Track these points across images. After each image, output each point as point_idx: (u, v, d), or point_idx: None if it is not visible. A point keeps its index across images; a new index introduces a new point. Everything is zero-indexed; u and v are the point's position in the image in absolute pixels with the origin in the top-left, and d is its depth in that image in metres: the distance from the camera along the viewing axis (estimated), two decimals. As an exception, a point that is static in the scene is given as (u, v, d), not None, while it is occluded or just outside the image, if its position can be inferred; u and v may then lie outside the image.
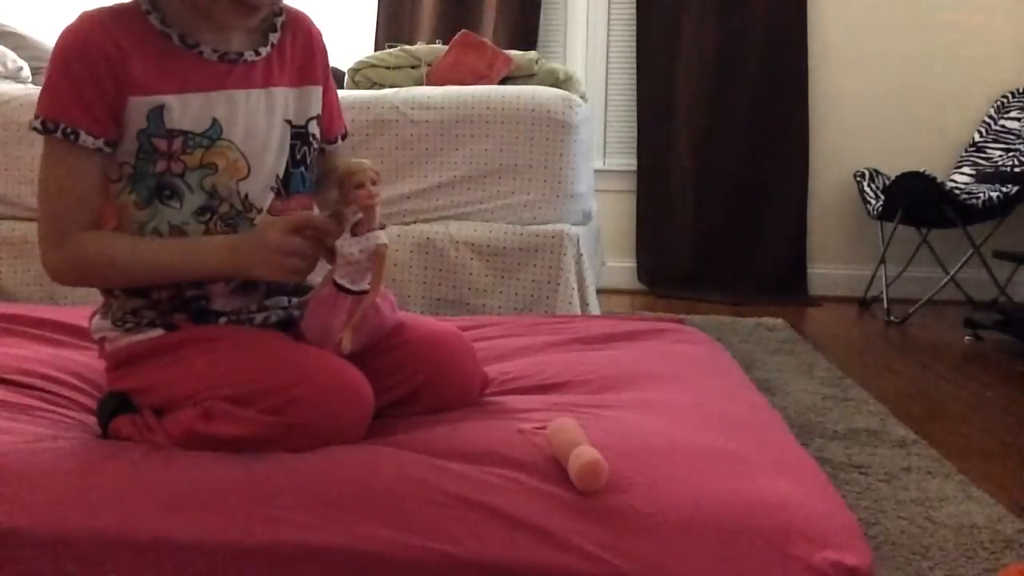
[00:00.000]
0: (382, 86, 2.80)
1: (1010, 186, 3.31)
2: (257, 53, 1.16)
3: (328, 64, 1.29)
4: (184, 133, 1.09)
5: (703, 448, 0.99)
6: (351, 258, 1.08)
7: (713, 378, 1.33)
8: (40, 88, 1.09)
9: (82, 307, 1.67)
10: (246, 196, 1.15)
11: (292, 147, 1.19)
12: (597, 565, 0.81)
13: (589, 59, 4.10)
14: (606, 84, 4.13)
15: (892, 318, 3.32)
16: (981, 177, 3.47)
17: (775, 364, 2.45)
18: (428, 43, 3.67)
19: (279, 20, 1.21)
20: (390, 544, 0.83)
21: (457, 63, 2.85)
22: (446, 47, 2.96)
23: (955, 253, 3.49)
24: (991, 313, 3.02)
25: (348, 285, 1.09)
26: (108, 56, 1.06)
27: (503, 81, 2.81)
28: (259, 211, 1.16)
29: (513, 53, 2.92)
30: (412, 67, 2.92)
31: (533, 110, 2.31)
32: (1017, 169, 3.48)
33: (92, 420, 1.17)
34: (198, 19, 1.11)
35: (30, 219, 2.42)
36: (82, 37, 1.06)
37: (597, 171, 3.73)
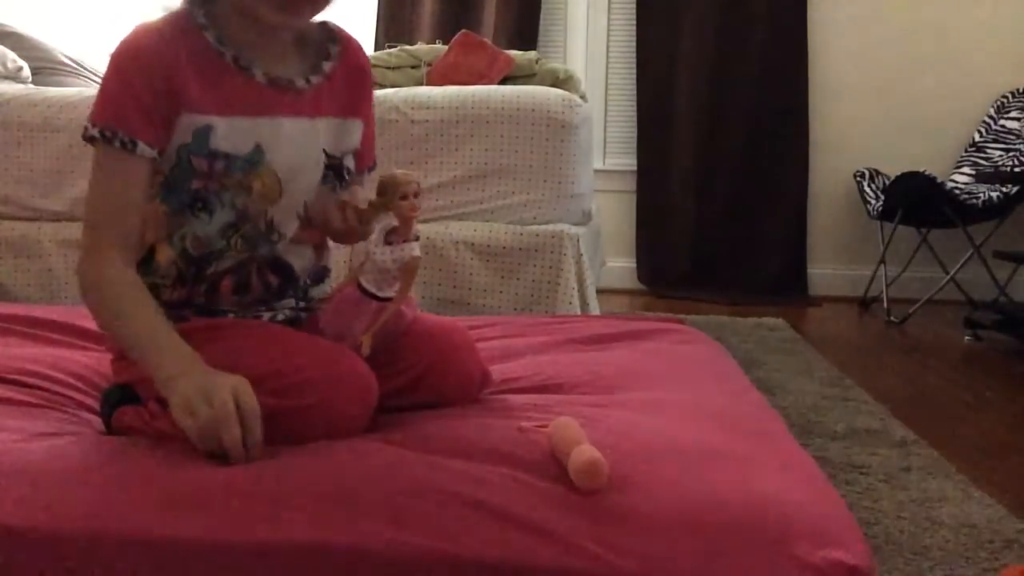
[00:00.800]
0: (382, 86, 2.79)
1: (1010, 186, 3.31)
2: (308, 81, 1.15)
3: (372, 98, 1.27)
4: (226, 156, 1.09)
5: (703, 448, 0.99)
6: (383, 265, 1.07)
7: (713, 378, 1.33)
8: (95, 100, 1.08)
9: (82, 307, 1.67)
10: (272, 219, 1.15)
11: (324, 176, 1.18)
12: (597, 564, 0.81)
13: (589, 59, 4.10)
14: (606, 84, 4.13)
15: (892, 318, 3.32)
16: (981, 177, 3.47)
17: (775, 364, 2.45)
18: (428, 43, 3.67)
19: (333, 48, 1.19)
20: (390, 543, 0.83)
21: (457, 63, 2.86)
22: (446, 47, 2.96)
23: (955, 253, 3.49)
24: (991, 313, 3.02)
25: (374, 290, 1.09)
26: (167, 68, 1.05)
27: (503, 81, 2.81)
28: (280, 236, 1.16)
29: (513, 53, 2.92)
30: (412, 67, 2.92)
31: (533, 110, 2.31)
32: (1017, 169, 3.48)
33: (91, 418, 1.17)
34: (252, 39, 1.11)
35: (30, 219, 2.42)
36: (142, 48, 1.06)
37: (597, 171, 3.73)
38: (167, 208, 1.11)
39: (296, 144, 1.13)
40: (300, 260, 1.21)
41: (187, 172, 1.09)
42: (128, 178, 1.07)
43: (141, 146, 1.05)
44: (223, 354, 1.05)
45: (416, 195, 1.07)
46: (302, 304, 1.22)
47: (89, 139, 1.07)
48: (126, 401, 1.12)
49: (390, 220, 1.09)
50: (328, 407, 1.02)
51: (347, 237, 1.19)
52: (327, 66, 1.17)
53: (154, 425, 1.07)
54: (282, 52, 1.14)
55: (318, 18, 1.14)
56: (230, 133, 1.09)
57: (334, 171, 1.19)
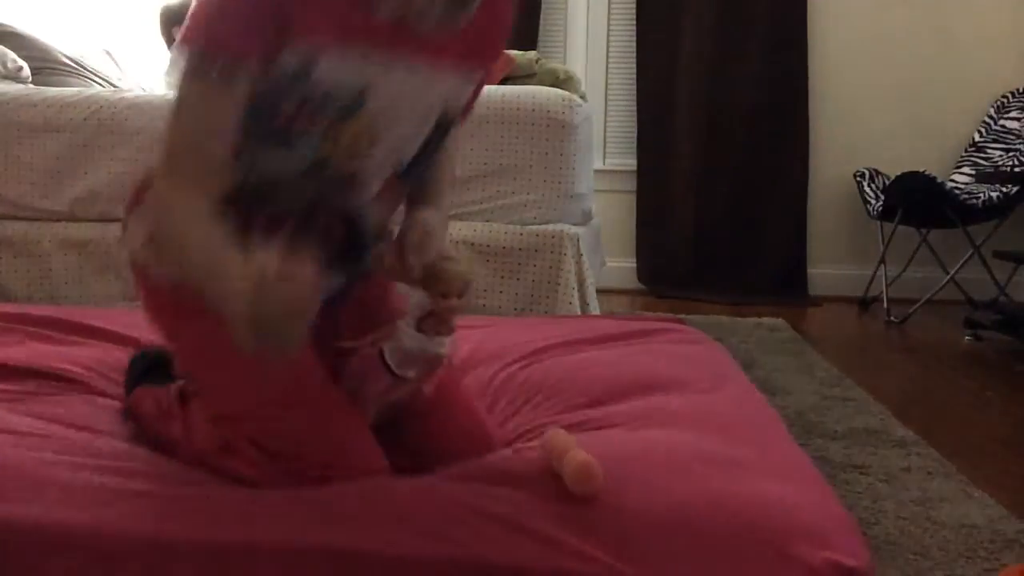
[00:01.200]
0: (382, 86, 2.79)
1: (1010, 186, 3.31)
2: (439, 26, 0.98)
3: (504, 46, 1.13)
4: (325, 94, 0.95)
5: (702, 449, 0.99)
6: (407, 350, 1.00)
7: (713, 378, 1.33)
8: (191, 18, 0.93)
9: (82, 307, 1.67)
10: (355, 174, 1.03)
11: (431, 136, 1.06)
12: (597, 568, 0.81)
13: (589, 59, 4.10)
14: (606, 84, 4.13)
15: (892, 318, 3.32)
16: (981, 177, 3.47)
17: (775, 364, 2.45)
18: (428, 43, 3.66)
19: None
20: (391, 546, 0.83)
21: (457, 63, 2.85)
22: (446, 47, 2.95)
23: (955, 253, 3.48)
24: (991, 313, 3.02)
25: (394, 367, 1.01)
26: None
27: (503, 81, 2.81)
28: (362, 191, 1.04)
29: (513, 53, 2.92)
30: (412, 67, 2.92)
31: (533, 110, 2.31)
32: (1017, 169, 3.48)
33: (90, 416, 1.17)
34: None
35: (30, 219, 2.42)
36: None
37: (597, 171, 3.72)
38: (247, 128, 0.95)
39: (408, 96, 1.00)
40: (376, 217, 1.09)
41: (277, 102, 0.95)
42: (223, 104, 0.93)
43: (243, 70, 0.91)
44: (259, 403, 0.98)
45: (461, 294, 0.99)
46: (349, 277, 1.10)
47: (184, 60, 0.92)
48: (151, 375, 1.09)
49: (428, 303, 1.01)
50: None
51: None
52: (464, 16, 1.00)
53: (166, 425, 1.03)
54: None
55: None
56: (337, 68, 0.94)
57: (443, 129, 1.08)
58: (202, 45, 0.92)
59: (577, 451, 0.90)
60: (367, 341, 1.04)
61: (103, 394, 1.23)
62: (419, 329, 1.00)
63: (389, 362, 1.01)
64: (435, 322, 1.00)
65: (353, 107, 0.97)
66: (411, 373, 1.02)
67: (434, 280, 0.99)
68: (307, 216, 1.03)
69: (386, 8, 0.95)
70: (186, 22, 0.93)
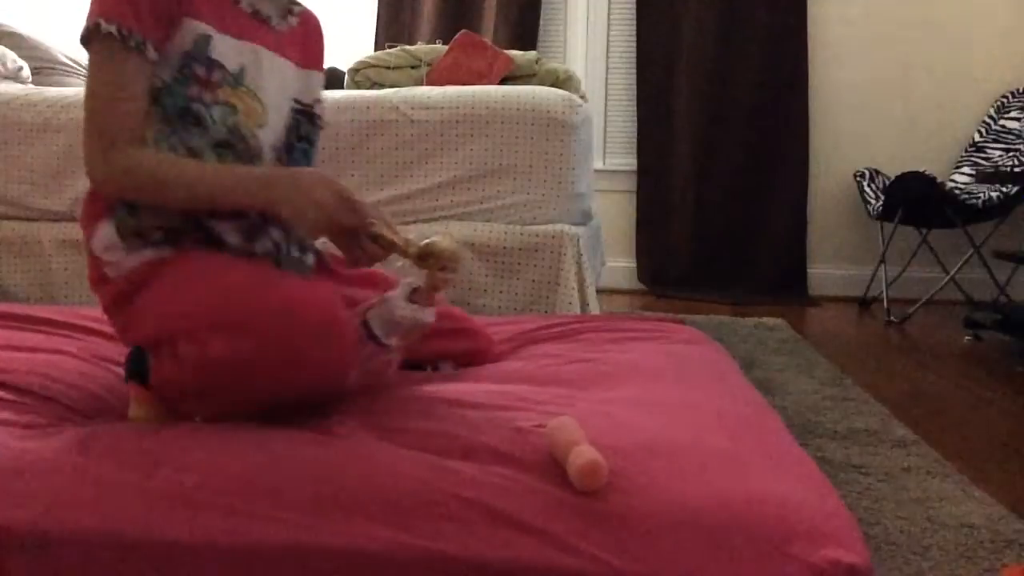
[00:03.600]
0: (382, 86, 2.80)
1: (1010, 186, 3.31)
2: (280, 22, 1.25)
3: (321, 58, 1.37)
4: (222, 67, 1.14)
5: (702, 448, 0.99)
6: (396, 318, 1.10)
7: (713, 378, 1.33)
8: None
9: (82, 307, 1.67)
10: (261, 147, 1.20)
11: (297, 123, 1.27)
12: (595, 565, 0.81)
13: (589, 59, 4.10)
14: (606, 84, 4.13)
15: (892, 318, 3.32)
16: (981, 177, 3.47)
17: (775, 364, 2.45)
18: (428, 43, 3.67)
19: (296, 7, 1.31)
20: (388, 544, 0.82)
21: (457, 63, 2.85)
22: (446, 47, 2.96)
23: (955, 253, 3.49)
24: (991, 313, 3.02)
25: (379, 335, 1.10)
26: None
27: (503, 81, 2.81)
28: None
29: (513, 53, 2.92)
30: (412, 67, 2.92)
31: (533, 110, 2.31)
32: (1017, 169, 3.48)
33: (89, 416, 1.17)
34: None
35: (30, 219, 2.42)
36: None
37: (597, 171, 3.73)
38: (163, 113, 1.12)
39: (271, 76, 1.21)
40: None
41: (186, 79, 1.12)
42: (129, 75, 1.09)
43: (150, 48, 1.09)
44: (169, 288, 1.08)
45: (455, 269, 1.10)
46: (300, 250, 1.24)
47: (104, 35, 1.08)
48: (143, 372, 1.12)
49: (419, 277, 1.11)
50: (283, 347, 0.98)
51: (361, 263, 1.17)
52: (292, 19, 1.29)
53: (187, 372, 1.05)
54: None
55: None
56: (223, 46, 1.15)
57: (307, 118, 1.28)
58: (117, 19, 1.08)
59: (584, 447, 0.90)
60: (352, 313, 1.11)
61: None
62: (411, 300, 1.11)
63: (375, 330, 1.09)
64: (424, 294, 1.11)
65: (240, 78, 1.16)
66: (394, 341, 1.10)
67: (429, 255, 1.09)
68: None
69: (245, 2, 1.20)
70: None
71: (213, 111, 1.13)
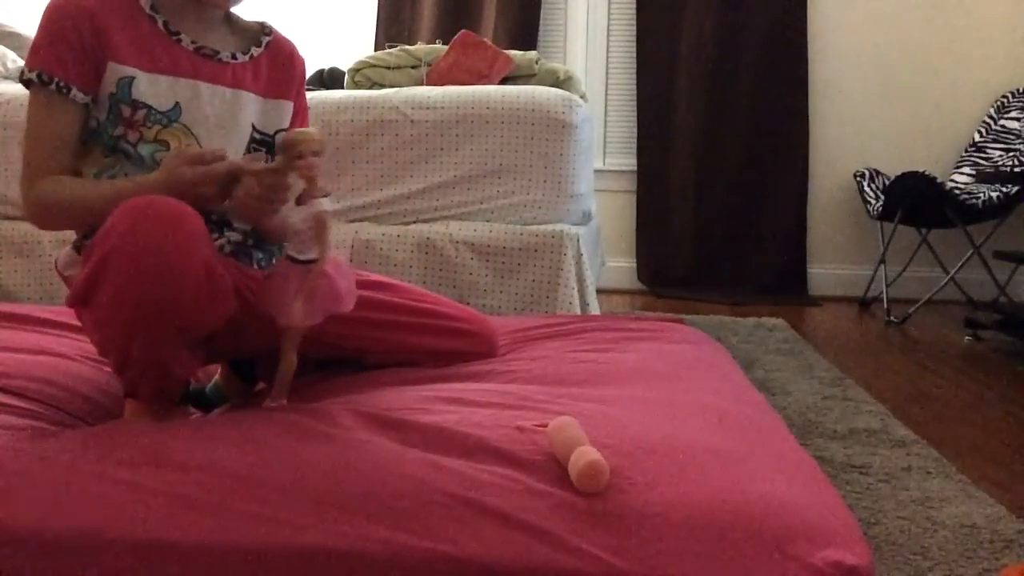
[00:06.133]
0: (382, 86, 2.79)
1: (1010, 186, 3.31)
2: (234, 57, 1.28)
3: (304, 89, 1.40)
4: (148, 107, 1.19)
5: (703, 448, 0.99)
6: (296, 227, 1.12)
7: (713, 378, 1.33)
8: (29, 48, 1.18)
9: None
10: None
11: (255, 151, 1.30)
12: (596, 565, 0.81)
13: (589, 59, 4.10)
14: (606, 84, 4.13)
15: (892, 318, 3.32)
16: (981, 177, 3.47)
17: (775, 364, 2.45)
18: (428, 43, 3.67)
19: (265, 39, 1.34)
20: (388, 545, 0.82)
21: (457, 63, 2.85)
22: (446, 47, 2.96)
23: (955, 253, 3.49)
24: (991, 313, 3.02)
25: (296, 255, 1.13)
26: (94, 21, 1.16)
27: (503, 81, 2.81)
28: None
29: (513, 53, 2.92)
30: (412, 67, 2.92)
31: (533, 110, 2.31)
32: (1017, 169, 3.48)
33: (87, 417, 1.17)
34: (185, 10, 1.24)
35: (30, 219, 2.42)
36: (72, 4, 1.17)
37: (597, 171, 3.73)
38: (101, 150, 1.20)
39: (216, 110, 1.24)
40: (236, 219, 1.27)
41: (115, 119, 1.18)
42: (61, 119, 1.17)
43: (74, 91, 1.16)
44: None
45: (317, 153, 1.10)
46: (251, 242, 1.28)
47: (26, 83, 1.17)
48: None
49: (301, 184, 1.12)
50: (134, 233, 1.00)
51: (270, 225, 1.22)
52: (255, 50, 1.32)
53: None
54: (210, 27, 1.27)
55: (259, 17, 1.33)
56: (152, 87, 1.19)
57: (266, 148, 1.31)
58: (40, 67, 1.16)
59: (586, 448, 0.90)
60: (275, 264, 1.16)
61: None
62: (298, 203, 1.12)
63: (291, 253, 1.12)
64: (308, 190, 1.12)
65: (172, 116, 1.21)
66: (313, 253, 1.12)
67: (289, 147, 1.09)
68: None
69: (186, 39, 1.24)
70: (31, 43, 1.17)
71: (141, 148, 1.19)
